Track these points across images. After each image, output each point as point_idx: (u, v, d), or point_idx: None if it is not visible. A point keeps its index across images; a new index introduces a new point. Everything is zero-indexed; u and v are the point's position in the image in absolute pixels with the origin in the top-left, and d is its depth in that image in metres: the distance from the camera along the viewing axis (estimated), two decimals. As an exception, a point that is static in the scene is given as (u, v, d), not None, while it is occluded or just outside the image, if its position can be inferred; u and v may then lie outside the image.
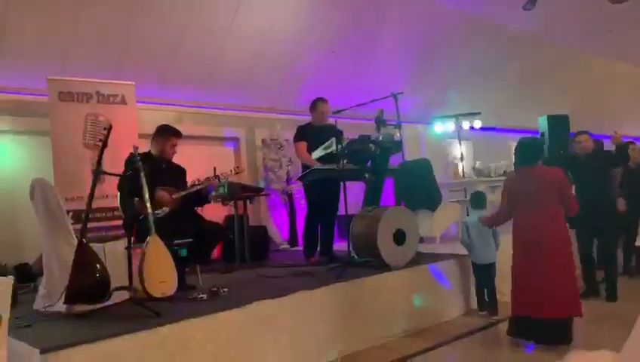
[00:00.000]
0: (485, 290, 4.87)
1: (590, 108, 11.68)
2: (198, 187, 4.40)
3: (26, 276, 4.92)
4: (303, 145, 5.30)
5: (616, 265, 5.27)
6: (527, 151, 4.06)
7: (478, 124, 9.39)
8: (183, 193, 4.30)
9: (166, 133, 4.45)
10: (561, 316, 3.81)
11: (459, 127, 9.43)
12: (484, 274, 4.84)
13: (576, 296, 3.90)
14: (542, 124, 8.71)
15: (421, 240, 5.81)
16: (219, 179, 4.54)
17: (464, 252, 5.05)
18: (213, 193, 5.12)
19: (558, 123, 8.44)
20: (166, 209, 4.19)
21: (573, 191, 5.20)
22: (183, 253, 4.10)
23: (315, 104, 5.47)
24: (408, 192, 6.40)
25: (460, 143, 9.55)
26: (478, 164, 8.56)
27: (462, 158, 9.57)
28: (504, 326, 4.21)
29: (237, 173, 5.02)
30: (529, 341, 3.93)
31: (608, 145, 9.14)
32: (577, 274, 4.27)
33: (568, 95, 11.26)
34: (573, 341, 3.82)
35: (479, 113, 9.36)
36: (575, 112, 8.99)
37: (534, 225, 3.92)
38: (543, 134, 8.69)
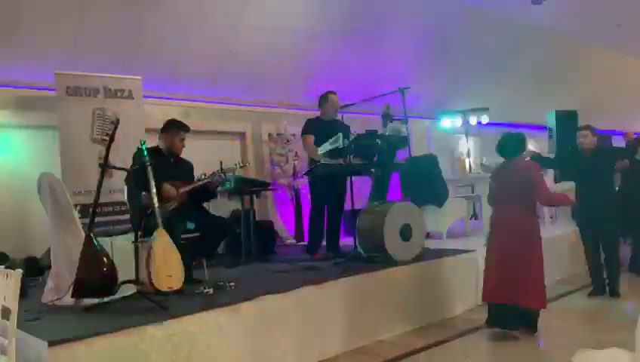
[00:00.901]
0: None
1: (600, 103, 11.60)
2: (205, 181, 4.41)
3: (35, 269, 4.95)
4: (311, 138, 5.28)
5: (617, 261, 5.22)
6: (506, 145, 4.17)
7: (485, 119, 9.35)
8: (189, 187, 4.31)
9: (174, 128, 4.47)
10: (532, 306, 3.99)
11: (466, 123, 9.39)
12: None
13: (543, 289, 4.04)
14: (550, 119, 8.66)
15: (427, 235, 5.79)
16: (224, 174, 4.54)
17: (470, 247, 5.04)
18: (220, 188, 5.11)
19: (567, 118, 8.40)
20: (173, 203, 4.21)
21: (572, 186, 5.21)
22: (191, 226, 4.12)
23: (326, 97, 5.46)
24: (415, 188, 6.38)
25: (468, 139, 9.52)
26: (485, 160, 8.52)
27: (469, 154, 9.53)
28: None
29: (242, 167, 5.02)
30: (504, 329, 4.08)
31: (618, 142, 9.09)
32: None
33: (578, 90, 11.18)
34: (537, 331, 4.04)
35: (487, 109, 9.32)
36: (584, 108, 8.94)
37: (505, 219, 4.06)
38: (551, 129, 8.65)
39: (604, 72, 11.87)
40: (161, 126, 4.57)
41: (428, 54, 8.83)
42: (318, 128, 5.31)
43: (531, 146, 9.98)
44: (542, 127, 9.32)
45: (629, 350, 2.05)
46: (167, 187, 4.18)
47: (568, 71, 11.00)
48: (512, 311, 3.99)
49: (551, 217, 7.38)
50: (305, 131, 5.37)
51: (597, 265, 5.20)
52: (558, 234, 6.37)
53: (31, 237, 5.53)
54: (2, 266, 2.84)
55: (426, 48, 8.74)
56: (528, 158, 4.59)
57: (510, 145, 4.16)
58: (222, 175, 4.52)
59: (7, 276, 2.70)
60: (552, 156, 6.79)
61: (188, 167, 4.60)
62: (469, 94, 9.83)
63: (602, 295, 5.13)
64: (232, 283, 3.98)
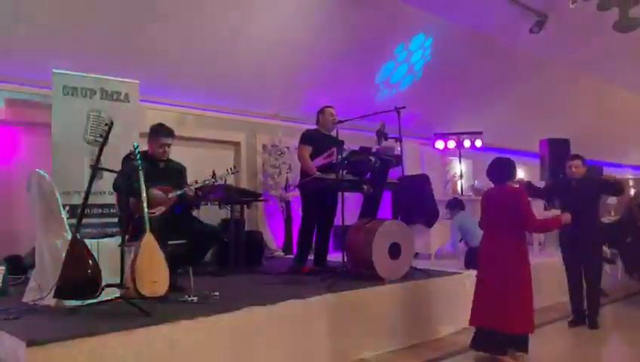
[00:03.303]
0: None
1: (592, 133, 11.72)
2: (195, 186, 4.37)
3: (18, 268, 4.89)
4: (308, 149, 5.27)
5: (598, 291, 5.23)
6: (496, 170, 4.21)
7: (479, 143, 9.43)
8: (179, 192, 4.28)
9: (153, 133, 4.36)
10: (518, 332, 3.98)
11: (460, 145, 9.46)
12: None
13: (531, 314, 4.03)
14: (542, 147, 8.75)
15: (416, 255, 5.79)
16: (216, 180, 4.51)
17: (458, 270, 5.03)
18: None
19: (559, 147, 8.47)
20: (162, 208, 4.18)
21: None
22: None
23: (323, 110, 5.48)
24: (406, 207, 6.39)
25: (460, 161, 9.58)
26: (476, 183, 8.57)
27: (461, 176, 9.59)
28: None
29: (234, 173, 4.99)
30: (488, 353, 4.05)
31: (609, 171, 9.16)
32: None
33: (571, 119, 11.30)
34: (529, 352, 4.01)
35: (481, 133, 9.40)
36: (577, 137, 9.02)
37: (497, 243, 4.07)
38: (543, 157, 8.73)
39: (598, 102, 12.02)
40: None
41: (425, 76, 8.91)
42: (316, 140, 5.31)
43: (523, 174, 10.08)
44: (534, 154, 9.40)
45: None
46: (155, 192, 4.14)
47: (562, 100, 11.13)
48: (500, 335, 3.97)
49: (540, 243, 7.41)
50: (303, 142, 5.36)
51: (578, 294, 5.19)
52: (546, 261, 6.39)
53: (17, 234, 5.47)
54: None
55: (424, 70, 8.83)
56: (517, 184, 4.62)
57: (500, 170, 4.19)
58: (213, 182, 4.49)
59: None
60: (542, 185, 6.85)
61: (177, 172, 4.53)
62: (463, 117, 9.92)
63: (583, 325, 5.12)
64: (217, 293, 3.94)
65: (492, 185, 4.31)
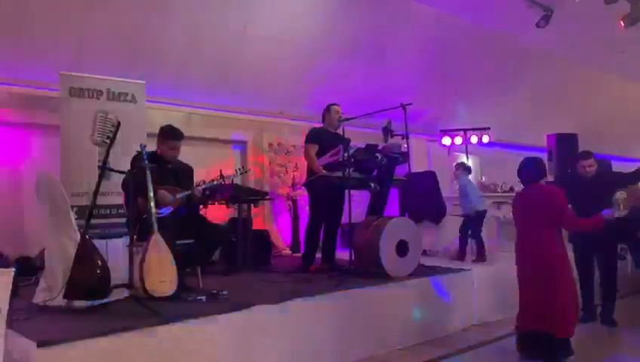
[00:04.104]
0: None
1: (600, 127, 11.64)
2: (203, 187, 4.38)
3: (28, 269, 4.93)
4: (314, 148, 5.27)
5: (615, 287, 5.20)
6: (529, 170, 4.16)
7: (486, 138, 9.39)
8: (186, 193, 4.29)
9: (163, 136, 4.37)
10: (561, 335, 3.87)
11: (467, 141, 9.42)
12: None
13: (574, 316, 3.99)
14: (550, 142, 8.69)
15: (424, 252, 5.78)
16: (223, 180, 4.52)
17: (466, 266, 5.02)
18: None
19: (567, 142, 8.42)
20: (170, 208, 4.19)
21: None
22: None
23: (328, 108, 5.47)
24: (413, 204, 6.38)
25: (468, 157, 9.54)
26: (484, 180, 8.54)
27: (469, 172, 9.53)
28: (506, 342, 4.20)
29: (242, 173, 4.99)
30: (535, 359, 3.96)
31: (618, 167, 9.12)
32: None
33: (579, 113, 11.23)
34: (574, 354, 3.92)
35: (488, 128, 9.36)
36: (585, 131, 8.96)
37: (535, 243, 4.01)
38: (551, 152, 8.67)
39: (605, 97, 11.93)
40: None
41: (432, 72, 8.88)
42: (323, 138, 5.30)
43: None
44: (542, 150, 9.35)
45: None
46: (163, 193, 4.15)
47: (569, 94, 11.05)
48: (548, 340, 3.88)
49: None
50: (309, 140, 5.35)
51: (589, 291, 5.16)
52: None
53: (27, 236, 5.51)
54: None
55: (430, 66, 8.80)
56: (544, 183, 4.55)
57: (534, 170, 4.16)
58: (221, 182, 4.50)
59: (-1, 274, 2.69)
60: (551, 180, 6.79)
61: (186, 173, 4.54)
62: (470, 113, 9.88)
63: (594, 321, 5.09)
64: (226, 292, 3.95)
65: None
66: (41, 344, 2.72)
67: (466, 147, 9.49)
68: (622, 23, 7.54)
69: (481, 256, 5.87)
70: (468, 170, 6.52)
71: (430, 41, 8.40)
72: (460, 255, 6.03)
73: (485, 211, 6.08)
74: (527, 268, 4.05)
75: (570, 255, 5.32)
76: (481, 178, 9.05)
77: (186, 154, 4.63)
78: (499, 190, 7.89)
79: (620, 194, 5.39)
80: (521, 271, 4.12)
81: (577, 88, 11.04)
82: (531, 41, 9.04)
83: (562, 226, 4.11)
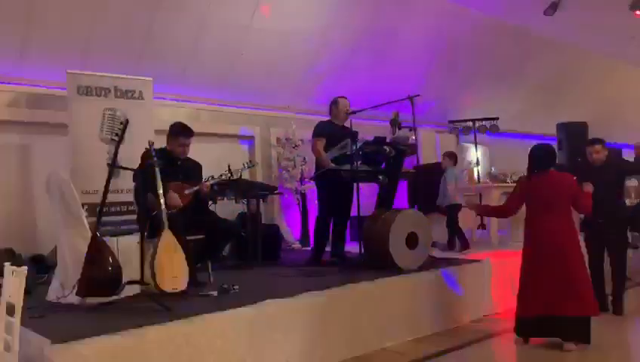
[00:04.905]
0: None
1: (610, 116, 11.51)
2: (212, 182, 4.40)
3: (41, 267, 4.98)
4: (322, 141, 5.26)
5: (624, 276, 5.16)
6: (541, 156, 4.16)
7: (495, 128, 9.32)
8: (194, 188, 4.30)
9: (173, 133, 4.41)
10: (583, 314, 3.93)
11: (475, 132, 9.36)
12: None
13: (592, 296, 4.02)
14: (560, 130, 8.62)
15: (433, 244, 5.77)
16: (232, 174, 4.53)
17: (477, 258, 5.00)
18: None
19: (576, 130, 8.35)
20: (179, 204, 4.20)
21: None
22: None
23: (336, 101, 5.45)
24: (422, 196, 6.37)
25: (477, 148, 9.48)
26: (493, 170, 8.48)
27: (478, 163, 9.48)
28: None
29: (250, 167, 5.00)
30: (547, 337, 4.01)
31: (628, 155, 9.00)
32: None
33: (588, 102, 11.11)
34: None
35: (497, 118, 9.29)
36: (595, 119, 8.87)
37: (549, 229, 4.02)
38: (560, 141, 8.60)
39: (615, 84, 11.79)
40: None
41: (439, 63, 8.82)
42: (330, 132, 5.29)
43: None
44: (551, 138, 9.27)
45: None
46: (172, 190, 4.16)
47: (579, 82, 10.94)
48: (561, 322, 3.93)
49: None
50: (316, 134, 5.34)
51: (599, 280, 5.11)
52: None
53: (39, 234, 5.56)
54: (9, 263, 2.86)
55: (438, 57, 8.74)
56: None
57: (546, 157, 4.16)
58: (229, 177, 4.51)
59: (13, 273, 2.72)
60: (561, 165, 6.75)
61: (195, 169, 4.56)
62: (478, 104, 9.81)
63: (605, 311, 5.04)
64: (236, 287, 3.97)
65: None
66: (55, 341, 2.75)
67: (475, 137, 9.43)
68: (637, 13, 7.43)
69: (464, 247, 6.07)
70: (454, 159, 6.62)
71: (437, 32, 8.34)
72: (449, 245, 6.28)
73: (458, 205, 6.24)
74: (540, 254, 4.04)
75: (581, 244, 5.31)
76: (491, 168, 9.00)
77: (194, 149, 4.64)
78: (509, 180, 7.83)
79: (632, 183, 5.32)
80: (532, 257, 4.11)
81: (587, 76, 10.92)
82: (540, 30, 8.95)
83: (580, 209, 4.21)
